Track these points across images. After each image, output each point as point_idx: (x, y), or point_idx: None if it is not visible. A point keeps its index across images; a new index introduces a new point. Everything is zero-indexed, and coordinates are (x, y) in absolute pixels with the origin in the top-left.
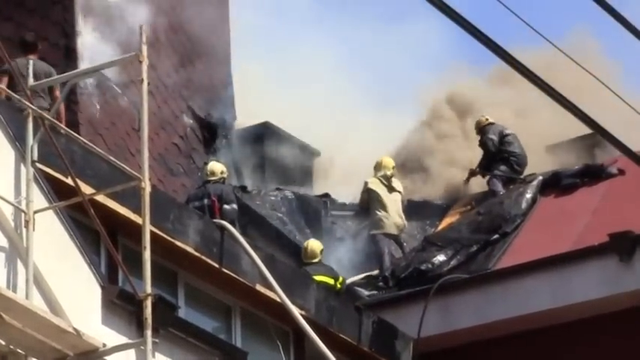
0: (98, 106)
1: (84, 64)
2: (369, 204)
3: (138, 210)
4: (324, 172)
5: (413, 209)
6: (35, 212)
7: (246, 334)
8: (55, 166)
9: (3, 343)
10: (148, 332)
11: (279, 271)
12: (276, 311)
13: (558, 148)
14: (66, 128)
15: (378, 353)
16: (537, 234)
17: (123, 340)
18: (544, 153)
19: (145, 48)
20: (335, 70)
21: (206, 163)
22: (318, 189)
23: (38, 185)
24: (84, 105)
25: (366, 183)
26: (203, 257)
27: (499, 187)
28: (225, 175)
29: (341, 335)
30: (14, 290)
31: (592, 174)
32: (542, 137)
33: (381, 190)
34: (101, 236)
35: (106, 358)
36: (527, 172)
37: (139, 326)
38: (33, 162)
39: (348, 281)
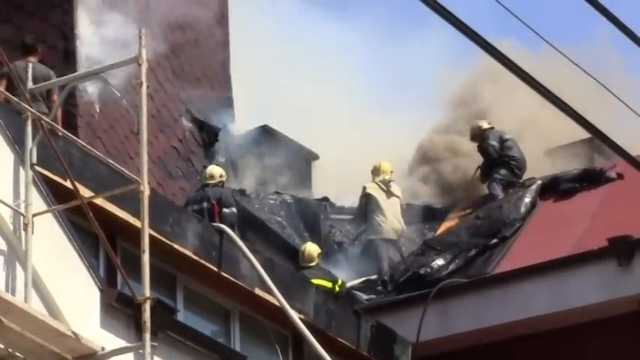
0: (97, 109)
1: (83, 68)
2: (367, 209)
3: (137, 213)
4: (323, 176)
5: (412, 213)
6: (34, 215)
7: (245, 338)
8: (54, 169)
9: (2, 346)
10: (147, 336)
11: (278, 275)
12: (274, 315)
13: (557, 153)
14: (65, 131)
15: (377, 357)
16: (536, 238)
17: (121, 343)
18: (543, 157)
19: (144, 51)
20: (334, 74)
21: (205, 167)
22: (317, 193)
23: (37, 188)
24: (83, 108)
25: (364, 188)
26: (202, 261)
27: (499, 191)
28: (224, 179)
29: (340, 339)
30: (13, 293)
31: (591, 178)
32: (542, 141)
33: (379, 194)
34: (100, 239)
35: None
36: (526, 176)
37: (138, 330)
38: (32, 165)
39: (347, 285)
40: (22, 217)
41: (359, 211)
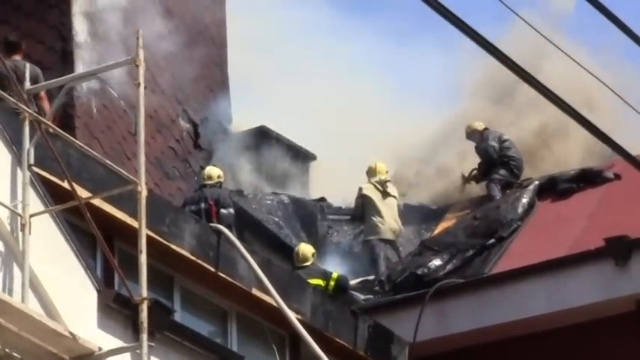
0: (95, 110)
1: (80, 68)
2: (363, 210)
3: (134, 214)
4: (321, 177)
5: (409, 213)
6: (31, 216)
7: (242, 338)
8: (51, 169)
9: None
10: (144, 336)
11: (275, 275)
12: (272, 315)
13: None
14: (62, 132)
15: (374, 357)
16: (533, 238)
17: (119, 343)
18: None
19: (141, 52)
20: (331, 74)
21: (202, 167)
22: (314, 193)
23: (34, 189)
24: (80, 109)
25: (360, 189)
26: (199, 261)
27: (496, 191)
28: (221, 180)
29: (337, 339)
30: (10, 294)
31: (588, 179)
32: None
33: (375, 195)
34: (97, 240)
35: None
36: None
37: (135, 330)
38: (29, 166)
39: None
40: (19, 218)
41: (356, 212)
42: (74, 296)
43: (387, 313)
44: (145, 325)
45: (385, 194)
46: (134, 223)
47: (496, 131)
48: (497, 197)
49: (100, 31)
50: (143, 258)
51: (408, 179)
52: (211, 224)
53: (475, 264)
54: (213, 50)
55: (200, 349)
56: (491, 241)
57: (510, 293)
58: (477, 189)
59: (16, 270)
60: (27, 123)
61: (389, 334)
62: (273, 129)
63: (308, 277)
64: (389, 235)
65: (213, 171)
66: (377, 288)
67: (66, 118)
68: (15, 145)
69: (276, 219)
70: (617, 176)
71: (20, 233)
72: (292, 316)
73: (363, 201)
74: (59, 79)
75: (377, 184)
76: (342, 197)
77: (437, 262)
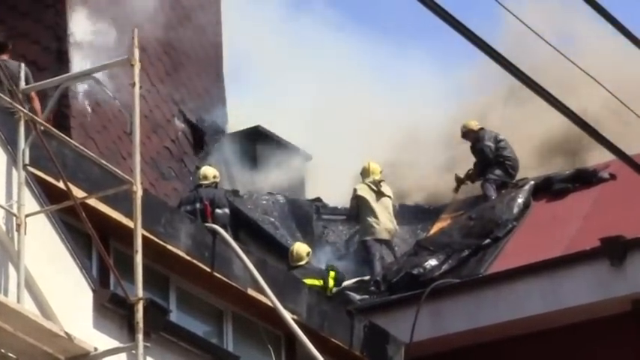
0: (90, 110)
1: (76, 68)
2: (358, 210)
3: (129, 214)
4: (316, 176)
5: (404, 213)
6: (27, 216)
7: (238, 339)
8: (46, 169)
9: None
10: (140, 336)
11: (271, 276)
12: (267, 315)
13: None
14: (58, 132)
15: (370, 358)
16: (529, 239)
17: (114, 344)
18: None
19: (136, 52)
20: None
21: (198, 167)
22: (309, 193)
23: (30, 189)
24: (76, 109)
25: (354, 190)
26: (195, 261)
27: (492, 191)
28: (217, 180)
29: (332, 339)
30: (5, 294)
31: (584, 179)
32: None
33: (369, 196)
34: (93, 240)
35: None
36: (519, 176)
37: (131, 330)
38: (24, 165)
39: (343, 284)
40: (14, 218)
41: (351, 213)
42: (70, 296)
43: (382, 313)
44: (141, 325)
45: (379, 194)
46: (130, 223)
47: (492, 131)
48: (493, 197)
49: (96, 31)
50: (139, 258)
51: (404, 179)
52: (207, 224)
53: (471, 264)
54: (209, 50)
55: (196, 350)
56: (487, 241)
57: (506, 293)
58: (472, 189)
59: (11, 270)
60: (22, 123)
61: (385, 334)
62: (268, 129)
63: (304, 276)
64: (384, 235)
65: (208, 171)
66: (372, 288)
67: (61, 118)
68: (10, 145)
69: (272, 219)
70: (613, 176)
71: (15, 233)
72: (288, 316)
73: (358, 202)
74: (54, 78)
75: (371, 185)
76: (338, 197)
77: (432, 262)
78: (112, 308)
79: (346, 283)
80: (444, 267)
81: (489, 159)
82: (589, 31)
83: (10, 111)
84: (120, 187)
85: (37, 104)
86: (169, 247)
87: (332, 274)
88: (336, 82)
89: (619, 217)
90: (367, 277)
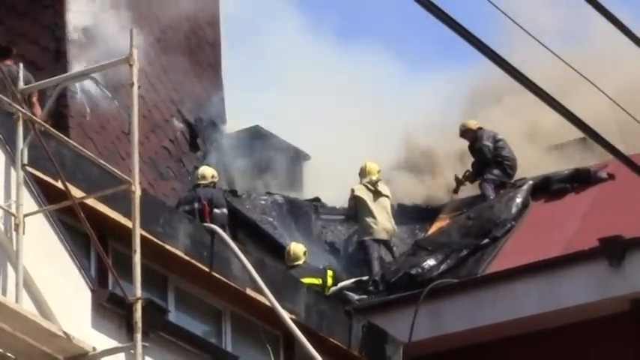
0: (88, 110)
1: (74, 68)
2: (357, 211)
3: (128, 214)
4: (315, 177)
5: (403, 213)
6: (25, 216)
7: (237, 338)
8: (45, 169)
9: None
10: (138, 336)
11: (269, 276)
12: (266, 315)
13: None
14: (56, 132)
15: (368, 357)
16: (527, 238)
17: (113, 343)
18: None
19: (135, 52)
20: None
21: (196, 167)
22: (308, 193)
23: (28, 189)
24: (74, 109)
25: (352, 190)
26: (193, 261)
27: (490, 191)
28: (215, 180)
29: (331, 339)
30: (4, 294)
31: (582, 179)
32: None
33: (367, 196)
34: (91, 240)
35: None
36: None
37: (129, 330)
38: (23, 165)
39: (339, 285)
40: (13, 218)
41: (349, 213)
42: (68, 296)
43: (381, 313)
44: (139, 325)
45: (377, 194)
46: (128, 223)
47: (490, 131)
48: (491, 197)
49: (94, 31)
50: (137, 258)
51: (403, 179)
52: (205, 224)
53: (469, 264)
54: (207, 50)
55: (194, 349)
56: (485, 241)
57: (504, 293)
58: (470, 189)
59: (10, 270)
60: (21, 123)
61: (383, 334)
62: (267, 129)
63: (301, 276)
64: (382, 235)
65: (207, 171)
66: (371, 288)
67: (60, 118)
68: (9, 144)
69: (270, 219)
70: (611, 176)
71: (14, 233)
72: (286, 316)
73: (356, 202)
74: (52, 78)
75: (368, 185)
76: (336, 197)
77: (431, 262)
78: (111, 308)
79: (344, 282)
80: (443, 267)
81: (488, 159)
82: (589, 31)
83: (8, 111)
84: (118, 187)
85: (37, 110)
86: (168, 247)
87: (330, 273)
88: (336, 83)
89: (617, 217)
90: (366, 277)
